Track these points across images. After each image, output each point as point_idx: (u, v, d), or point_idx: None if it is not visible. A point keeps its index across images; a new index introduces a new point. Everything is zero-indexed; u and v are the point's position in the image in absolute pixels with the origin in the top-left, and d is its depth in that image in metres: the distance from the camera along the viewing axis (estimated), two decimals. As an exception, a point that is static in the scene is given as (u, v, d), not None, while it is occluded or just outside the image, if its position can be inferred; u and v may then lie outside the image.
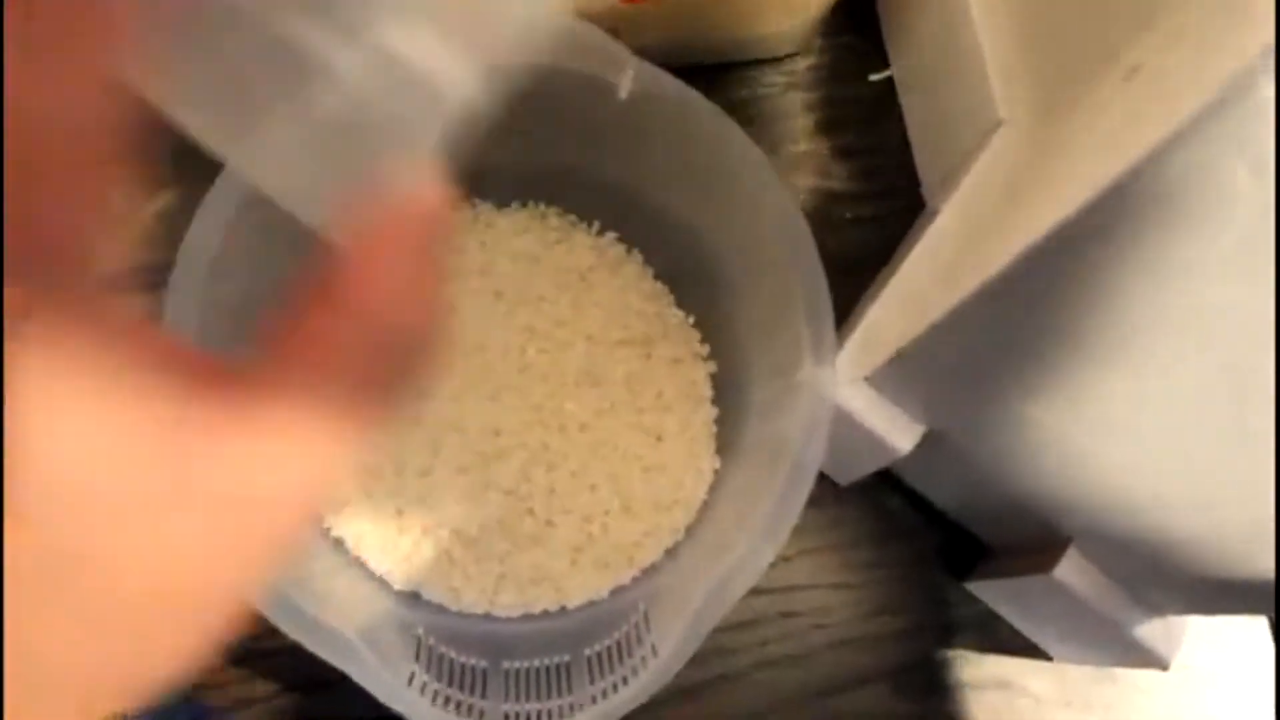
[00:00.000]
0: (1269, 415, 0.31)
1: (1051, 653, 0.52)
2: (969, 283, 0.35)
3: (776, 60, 0.58)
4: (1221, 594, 0.41)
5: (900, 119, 0.56)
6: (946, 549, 0.53)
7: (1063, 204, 0.31)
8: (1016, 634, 0.52)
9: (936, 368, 0.40)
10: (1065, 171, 0.36)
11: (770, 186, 0.45)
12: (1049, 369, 0.36)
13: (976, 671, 0.52)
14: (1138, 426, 0.36)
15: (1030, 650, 0.52)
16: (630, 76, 0.45)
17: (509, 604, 0.48)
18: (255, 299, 0.47)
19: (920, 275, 0.44)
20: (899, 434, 0.44)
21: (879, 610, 0.52)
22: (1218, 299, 0.31)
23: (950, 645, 0.52)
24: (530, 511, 0.48)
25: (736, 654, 0.51)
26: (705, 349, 0.52)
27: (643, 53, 0.45)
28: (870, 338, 0.44)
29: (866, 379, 0.44)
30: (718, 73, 0.57)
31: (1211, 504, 0.37)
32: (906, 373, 0.42)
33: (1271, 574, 0.36)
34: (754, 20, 0.56)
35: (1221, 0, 0.32)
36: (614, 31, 0.45)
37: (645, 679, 0.41)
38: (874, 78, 0.57)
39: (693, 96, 0.45)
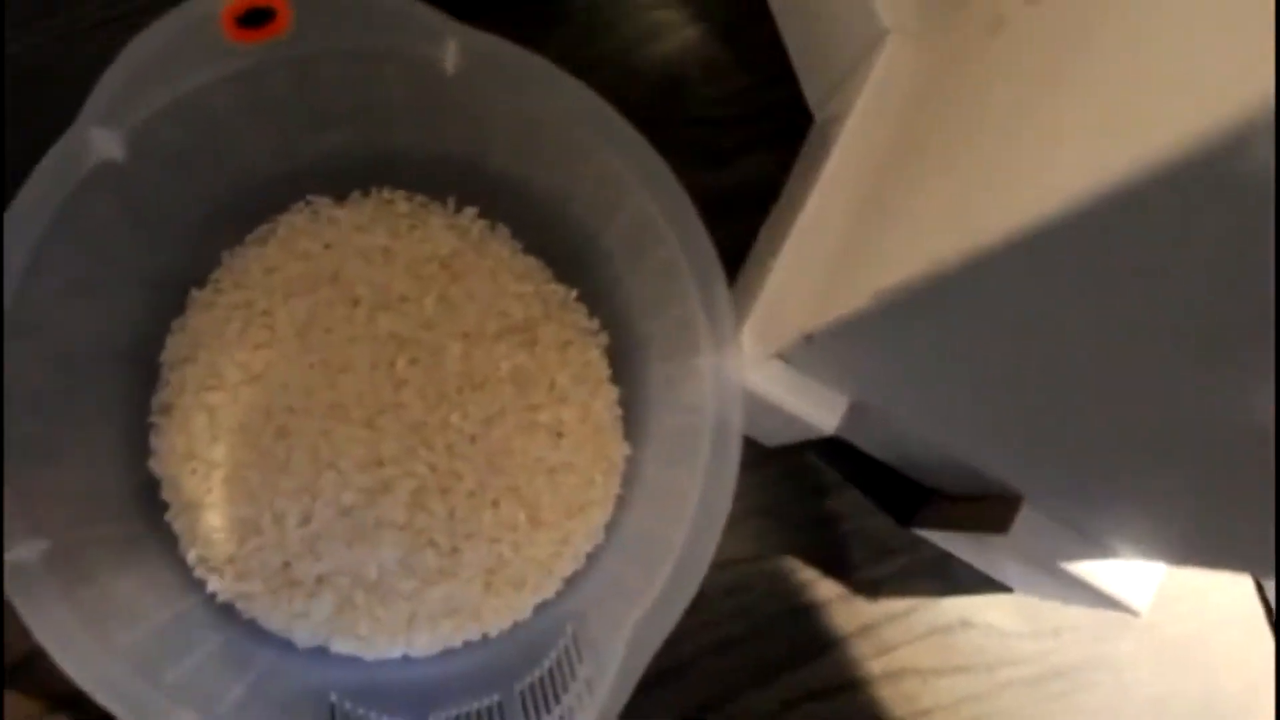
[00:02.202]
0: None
1: (1013, 587, 0.48)
2: (870, 286, 0.30)
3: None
4: (1182, 545, 0.37)
5: (773, 26, 0.49)
6: (887, 496, 0.49)
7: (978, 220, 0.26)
8: (971, 569, 0.49)
9: (853, 352, 0.35)
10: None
11: (629, 144, 0.40)
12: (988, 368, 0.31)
13: (937, 616, 0.48)
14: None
15: (988, 584, 0.49)
16: (453, 48, 0.39)
17: (425, 643, 0.44)
18: None
19: (819, 240, 0.39)
20: (822, 412, 0.39)
21: (829, 571, 0.48)
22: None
23: (907, 593, 0.48)
24: (431, 542, 0.43)
25: (683, 642, 0.47)
26: (595, 324, 0.46)
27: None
28: (775, 311, 0.39)
29: (778, 355, 0.39)
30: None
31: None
32: (820, 352, 0.37)
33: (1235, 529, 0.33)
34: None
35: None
36: None
37: (590, 712, 0.37)
38: (736, -19, 0.50)
39: (529, 59, 0.39)
